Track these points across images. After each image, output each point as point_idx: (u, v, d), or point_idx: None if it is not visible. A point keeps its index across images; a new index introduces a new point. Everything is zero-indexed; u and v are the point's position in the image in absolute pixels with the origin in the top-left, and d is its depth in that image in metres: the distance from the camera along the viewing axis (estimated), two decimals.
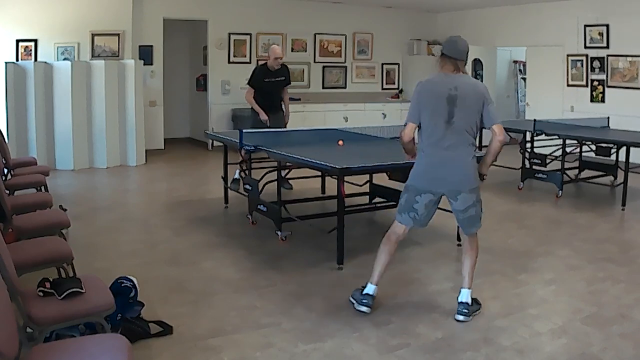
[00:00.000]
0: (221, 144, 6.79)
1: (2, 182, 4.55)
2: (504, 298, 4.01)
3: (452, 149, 3.49)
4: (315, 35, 11.64)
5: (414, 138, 3.66)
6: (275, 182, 5.61)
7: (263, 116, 7.14)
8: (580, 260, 4.82)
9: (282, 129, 6.87)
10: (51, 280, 2.82)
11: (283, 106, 7.31)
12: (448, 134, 3.47)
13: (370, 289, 3.73)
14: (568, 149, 7.34)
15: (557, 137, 7.20)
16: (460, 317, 3.60)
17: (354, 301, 3.77)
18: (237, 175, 6.77)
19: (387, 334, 3.44)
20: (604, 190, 7.66)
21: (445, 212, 5.37)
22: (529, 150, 7.77)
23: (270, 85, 7.06)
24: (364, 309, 3.69)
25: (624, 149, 6.66)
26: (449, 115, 3.45)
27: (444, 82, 3.49)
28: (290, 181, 7.25)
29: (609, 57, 9.61)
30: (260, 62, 10.93)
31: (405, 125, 3.62)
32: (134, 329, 3.27)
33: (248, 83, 7.18)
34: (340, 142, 5.66)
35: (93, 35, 9.43)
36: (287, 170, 6.43)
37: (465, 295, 3.65)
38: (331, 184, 6.26)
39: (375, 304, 3.83)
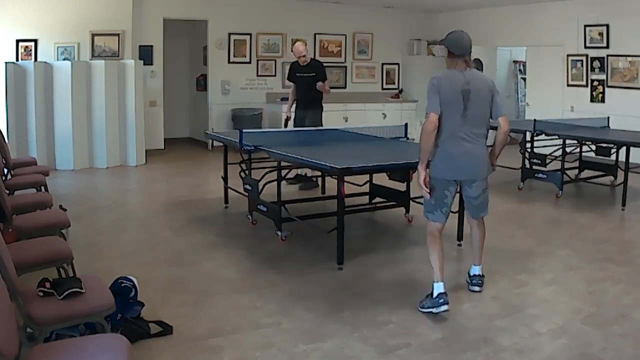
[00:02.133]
0: (221, 144, 6.80)
1: (2, 182, 4.55)
2: (504, 298, 4.00)
3: (468, 140, 3.70)
4: (315, 35, 11.64)
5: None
6: (275, 182, 5.61)
7: (283, 116, 7.62)
8: (580, 260, 4.82)
9: (281, 129, 6.94)
10: (51, 280, 2.82)
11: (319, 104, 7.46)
12: (463, 126, 3.67)
13: (440, 287, 3.70)
14: (568, 149, 7.34)
15: (557, 137, 7.19)
16: (477, 288, 4.03)
17: (429, 309, 3.68)
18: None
19: (387, 334, 3.44)
20: (604, 190, 7.65)
21: None
22: (529, 150, 7.77)
23: (302, 80, 7.26)
24: (444, 307, 3.64)
25: (624, 149, 6.65)
26: (464, 109, 3.65)
27: (458, 77, 3.68)
28: (290, 181, 7.28)
29: (609, 57, 9.61)
30: (261, 62, 11.14)
31: (427, 116, 3.65)
32: (134, 329, 3.27)
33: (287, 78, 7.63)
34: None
35: (93, 35, 9.43)
36: (287, 170, 6.44)
37: (477, 270, 4.08)
38: (331, 184, 6.26)
39: (376, 303, 3.86)
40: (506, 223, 6.06)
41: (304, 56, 7.19)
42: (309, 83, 7.23)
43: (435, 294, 3.68)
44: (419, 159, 3.72)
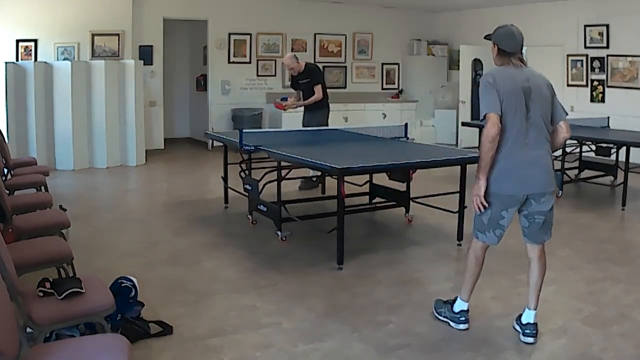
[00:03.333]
0: (221, 144, 6.80)
1: (2, 182, 4.55)
2: (504, 298, 4.00)
3: (534, 146, 3.18)
4: (315, 35, 11.64)
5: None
6: (275, 182, 5.61)
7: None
8: (580, 260, 4.82)
9: (281, 129, 6.96)
10: (51, 280, 2.82)
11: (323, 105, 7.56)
12: (528, 129, 3.16)
13: (464, 305, 3.48)
14: (568, 149, 7.34)
15: None
16: (530, 340, 3.29)
17: (447, 320, 3.53)
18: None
19: (387, 334, 3.44)
20: (604, 190, 7.65)
21: (445, 211, 5.42)
22: None
23: (302, 87, 7.43)
24: (463, 326, 3.47)
25: (624, 149, 6.65)
26: (527, 110, 3.14)
27: (516, 74, 3.19)
28: (290, 181, 7.26)
29: (609, 57, 9.62)
30: (261, 62, 11.13)
31: (485, 118, 3.12)
32: (134, 329, 3.27)
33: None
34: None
35: (93, 35, 9.44)
36: (286, 171, 6.45)
37: (531, 317, 3.34)
38: (331, 184, 6.26)
39: (376, 303, 3.86)
40: None
41: (292, 68, 7.32)
42: (307, 89, 7.35)
43: (457, 310, 3.49)
44: (479, 169, 3.18)
